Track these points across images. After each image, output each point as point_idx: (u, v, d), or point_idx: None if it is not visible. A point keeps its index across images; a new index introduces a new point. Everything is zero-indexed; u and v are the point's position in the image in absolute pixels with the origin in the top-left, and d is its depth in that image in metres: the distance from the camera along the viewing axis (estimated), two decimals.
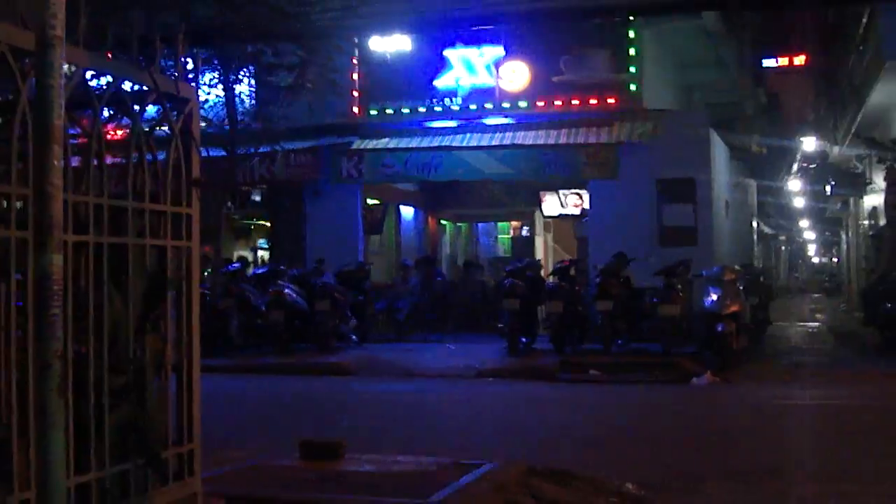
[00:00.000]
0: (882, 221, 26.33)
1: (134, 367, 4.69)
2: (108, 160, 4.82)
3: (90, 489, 4.39)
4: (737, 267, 19.81)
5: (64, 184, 3.96)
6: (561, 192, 26.09)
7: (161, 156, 5.10)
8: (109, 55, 4.84)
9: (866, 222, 32.84)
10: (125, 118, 5.01)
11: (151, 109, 5.11)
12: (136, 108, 4.95)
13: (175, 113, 5.24)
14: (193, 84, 5.51)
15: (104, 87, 4.76)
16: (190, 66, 17.65)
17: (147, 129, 5.03)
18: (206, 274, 19.66)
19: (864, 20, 24.10)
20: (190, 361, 5.20)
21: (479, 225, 31.30)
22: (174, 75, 5.20)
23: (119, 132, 5.21)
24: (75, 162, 4.51)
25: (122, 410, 4.61)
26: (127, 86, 4.96)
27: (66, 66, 3.88)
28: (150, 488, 4.82)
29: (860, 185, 31.56)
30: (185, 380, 5.17)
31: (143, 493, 4.79)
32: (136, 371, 4.71)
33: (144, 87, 5.02)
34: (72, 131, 4.54)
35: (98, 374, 4.47)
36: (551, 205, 26.62)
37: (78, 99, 4.50)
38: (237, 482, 6.27)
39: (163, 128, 5.19)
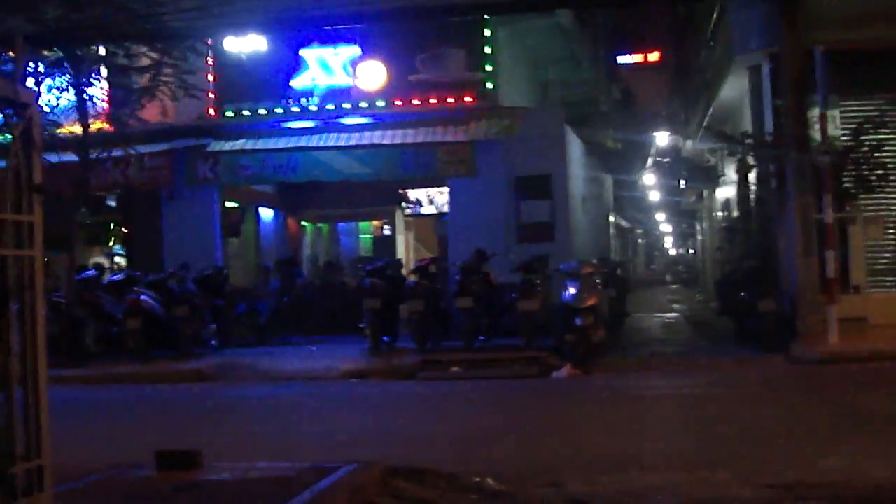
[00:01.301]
0: (735, 213, 26.98)
1: None
2: None
3: None
4: (594, 261, 20.11)
5: None
6: (424, 189, 26.28)
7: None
8: None
9: (720, 214, 33.64)
10: None
11: None
12: None
13: (15, 118, 5.10)
14: (36, 87, 5.39)
15: None
16: (41, 68, 17.04)
17: None
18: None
19: (715, 16, 24.66)
20: (35, 374, 5.06)
21: (340, 225, 31.19)
22: (12, 79, 5.05)
23: None
24: None
25: None
26: None
27: None
28: None
29: (713, 177, 32.35)
30: (31, 393, 5.03)
31: None
32: None
33: None
34: None
35: None
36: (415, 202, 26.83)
37: None
38: (92, 495, 6.13)
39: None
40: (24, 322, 5.07)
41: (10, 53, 4.75)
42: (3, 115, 4.99)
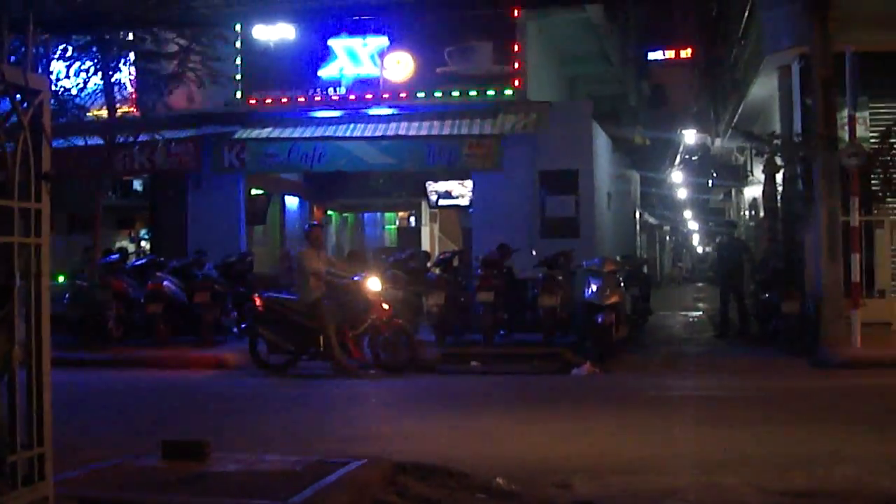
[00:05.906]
0: (762, 213, 26.81)
1: None
2: None
3: None
4: (618, 258, 20.02)
5: None
6: (450, 182, 26.20)
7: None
8: None
9: (747, 213, 33.46)
10: None
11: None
12: None
13: (25, 104, 5.07)
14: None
15: None
16: (70, 52, 16.87)
17: None
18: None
19: (746, 14, 24.49)
20: (40, 362, 5.04)
21: (366, 215, 31.21)
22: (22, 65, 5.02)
23: None
24: None
25: None
26: None
27: None
28: None
29: (741, 177, 32.17)
30: (34, 381, 5.01)
31: None
32: None
33: None
34: None
35: None
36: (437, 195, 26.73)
37: None
38: (95, 484, 6.11)
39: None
40: (30, 309, 5.05)
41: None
42: (12, 102, 4.96)
